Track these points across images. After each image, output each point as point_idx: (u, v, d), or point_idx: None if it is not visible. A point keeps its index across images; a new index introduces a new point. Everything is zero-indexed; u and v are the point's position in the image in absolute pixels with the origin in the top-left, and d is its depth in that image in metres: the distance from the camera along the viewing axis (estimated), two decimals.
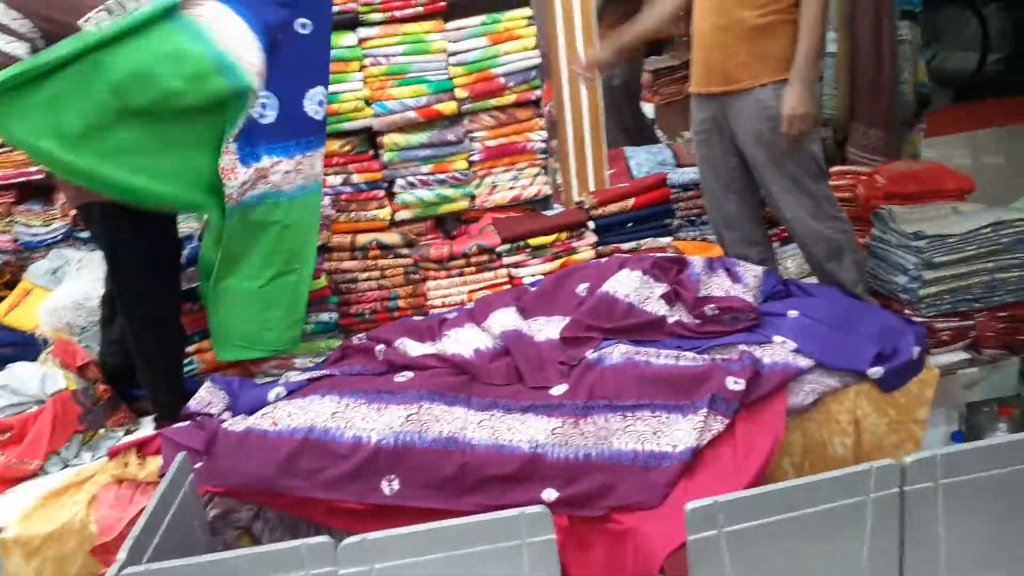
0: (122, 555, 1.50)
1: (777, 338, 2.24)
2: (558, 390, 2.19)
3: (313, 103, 2.50)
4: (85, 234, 3.34)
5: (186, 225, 2.95)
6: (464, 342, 2.40)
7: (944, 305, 2.42)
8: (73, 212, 3.33)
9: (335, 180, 2.96)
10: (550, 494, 1.99)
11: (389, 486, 2.02)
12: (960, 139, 5.50)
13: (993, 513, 1.57)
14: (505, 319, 2.47)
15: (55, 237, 3.46)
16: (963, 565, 1.57)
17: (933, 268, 2.39)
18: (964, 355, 2.44)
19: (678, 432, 2.06)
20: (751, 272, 2.55)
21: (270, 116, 2.42)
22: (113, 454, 2.15)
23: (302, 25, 2.47)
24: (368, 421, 2.07)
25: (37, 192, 3.56)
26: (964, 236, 2.38)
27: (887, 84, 3.37)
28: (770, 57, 2.40)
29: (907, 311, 2.46)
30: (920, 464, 1.52)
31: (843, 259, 2.50)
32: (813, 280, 2.81)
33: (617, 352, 2.27)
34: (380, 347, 2.40)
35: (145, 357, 2.39)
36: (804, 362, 2.17)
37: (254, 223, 2.40)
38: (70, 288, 2.73)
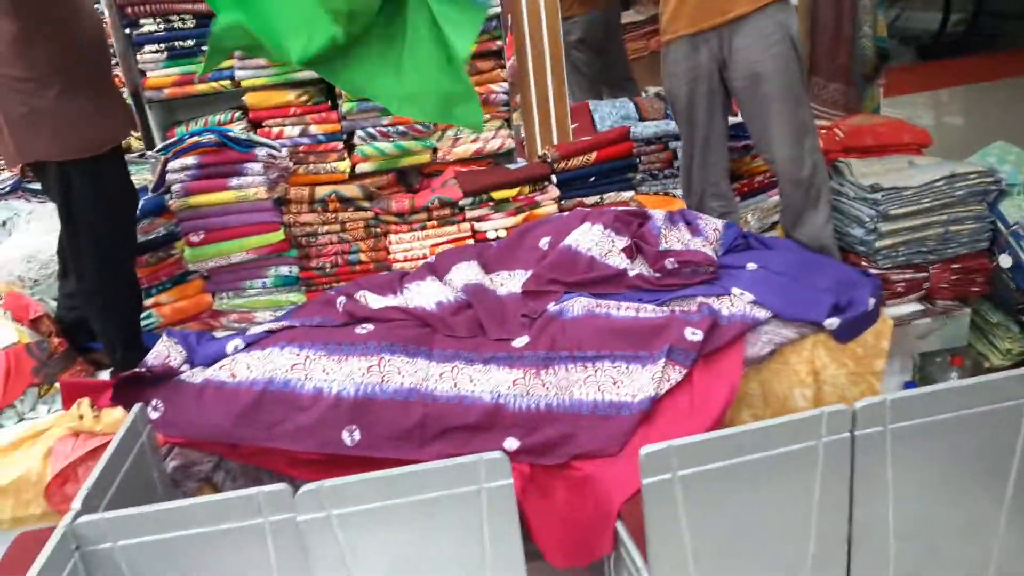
0: (77, 504, 1.49)
1: (735, 290, 2.26)
2: (520, 342, 2.20)
3: None
4: (35, 186, 3.25)
5: (139, 177, 2.89)
6: (425, 295, 2.39)
7: (899, 257, 2.46)
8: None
9: (292, 131, 2.90)
10: (512, 443, 2.01)
11: (350, 436, 2.03)
12: (922, 98, 5.57)
13: (939, 456, 1.62)
14: (467, 273, 2.47)
15: (3, 189, 3.36)
16: (910, 505, 1.62)
17: (889, 220, 2.42)
18: (918, 306, 2.50)
19: (637, 382, 2.08)
20: (711, 225, 2.56)
21: None
22: (66, 388, 2.11)
23: None
24: (329, 373, 2.06)
25: None
26: (919, 189, 2.41)
27: (847, 38, 3.38)
28: None
29: (864, 263, 2.49)
30: (870, 409, 1.55)
31: (820, 198, 2.51)
32: (774, 234, 2.84)
33: (578, 305, 2.28)
34: (341, 299, 2.38)
35: (102, 313, 2.35)
36: (761, 313, 2.19)
37: None
38: (20, 241, 2.67)
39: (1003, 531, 1.68)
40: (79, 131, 2.18)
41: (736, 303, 2.22)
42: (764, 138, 2.54)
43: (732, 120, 2.77)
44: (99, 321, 2.37)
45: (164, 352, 2.23)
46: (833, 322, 2.19)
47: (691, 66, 2.55)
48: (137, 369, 2.19)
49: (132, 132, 2.49)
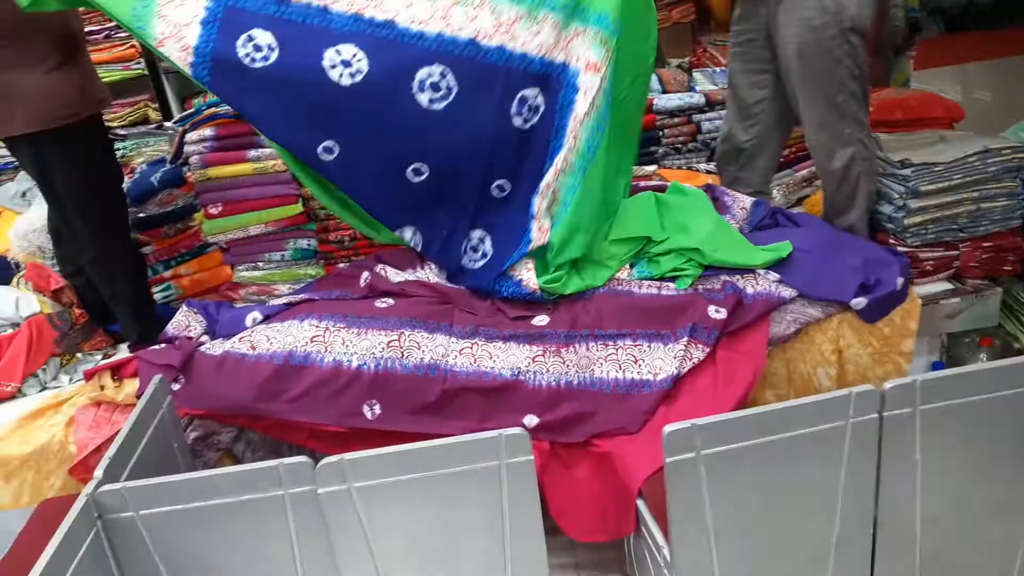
0: (99, 473, 1.49)
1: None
2: (540, 320, 2.18)
3: None
4: None
5: (157, 148, 2.88)
6: (445, 278, 2.37)
7: (928, 235, 2.40)
8: None
9: None
10: (531, 420, 2.00)
11: (371, 410, 2.02)
12: (950, 72, 5.43)
13: (968, 439, 1.59)
14: None
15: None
16: (938, 489, 1.59)
17: (919, 197, 2.36)
18: (947, 285, 2.44)
19: (659, 360, 2.06)
20: (739, 203, 2.52)
21: None
22: (88, 376, 2.13)
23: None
24: (348, 346, 2.05)
25: None
26: (950, 164, 2.35)
27: (883, 9, 3.29)
28: None
29: (892, 240, 2.44)
30: (900, 390, 1.52)
31: (855, 195, 2.41)
32: (800, 209, 2.79)
33: None
34: (365, 274, 2.37)
35: (108, 280, 2.36)
36: (787, 292, 2.16)
37: None
38: (40, 211, 2.65)
39: None
40: (43, 103, 2.15)
41: (761, 281, 2.18)
42: (801, 120, 2.46)
43: None
44: (107, 288, 2.37)
45: (184, 322, 2.23)
46: (860, 302, 2.15)
47: (744, 29, 2.49)
48: (159, 342, 2.20)
49: (109, 103, 2.45)
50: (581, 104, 2.18)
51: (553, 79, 2.19)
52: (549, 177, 2.22)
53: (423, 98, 2.07)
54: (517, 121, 2.19)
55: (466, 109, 2.11)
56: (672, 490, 1.48)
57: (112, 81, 3.58)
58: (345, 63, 2.02)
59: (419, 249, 2.32)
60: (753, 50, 2.48)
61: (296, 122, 2.07)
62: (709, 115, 3.16)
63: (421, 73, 2.06)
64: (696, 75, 3.66)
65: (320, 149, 2.09)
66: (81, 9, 2.22)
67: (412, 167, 2.16)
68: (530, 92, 2.17)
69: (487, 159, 2.20)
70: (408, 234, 2.29)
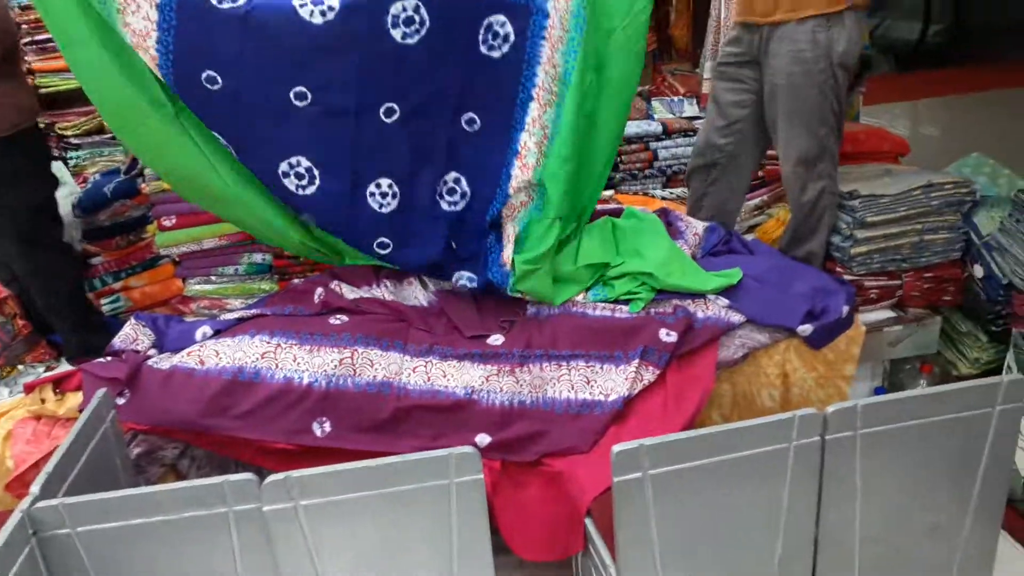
0: (35, 488, 1.45)
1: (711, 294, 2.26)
2: (495, 340, 2.19)
3: None
4: None
5: (112, 159, 2.84)
6: (401, 296, 2.37)
7: (874, 264, 2.48)
8: None
9: None
10: (483, 439, 1.99)
11: (320, 428, 2.00)
12: (899, 108, 5.60)
13: (907, 461, 1.63)
14: None
15: None
16: (877, 508, 1.63)
17: (865, 227, 2.43)
18: (890, 313, 2.51)
19: (611, 382, 2.08)
20: (692, 229, 2.56)
21: None
22: (29, 389, 2.08)
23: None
24: (300, 363, 2.03)
25: None
26: (896, 197, 2.43)
27: None
28: None
29: (839, 269, 2.51)
30: (841, 413, 1.55)
31: (819, 227, 2.47)
32: (754, 236, 2.85)
33: None
34: (319, 290, 2.35)
35: (43, 296, 2.33)
36: (736, 317, 2.20)
37: None
38: None
39: (966, 535, 1.70)
40: None
41: (711, 306, 2.22)
42: (778, 150, 2.52)
43: None
44: (44, 299, 2.34)
45: (132, 335, 2.19)
46: (807, 328, 2.20)
47: (735, 51, 2.53)
48: (105, 355, 2.15)
49: (38, 117, 2.45)
50: (555, 31, 2.14)
51: (520, 6, 2.13)
52: (535, 111, 2.17)
53: (397, 34, 2.01)
54: (483, 49, 2.13)
55: (437, 42, 2.06)
56: (619, 509, 1.50)
57: (67, 90, 3.51)
58: (315, 0, 1.96)
59: (395, 206, 2.25)
60: (741, 71, 2.52)
61: (267, 68, 1.99)
62: (665, 143, 3.23)
63: (395, 7, 1.99)
64: (654, 103, 3.73)
65: (292, 95, 2.03)
66: (23, 20, 2.19)
67: (385, 107, 2.09)
68: (496, 19, 2.11)
69: (456, 91, 2.14)
70: (385, 184, 2.21)
